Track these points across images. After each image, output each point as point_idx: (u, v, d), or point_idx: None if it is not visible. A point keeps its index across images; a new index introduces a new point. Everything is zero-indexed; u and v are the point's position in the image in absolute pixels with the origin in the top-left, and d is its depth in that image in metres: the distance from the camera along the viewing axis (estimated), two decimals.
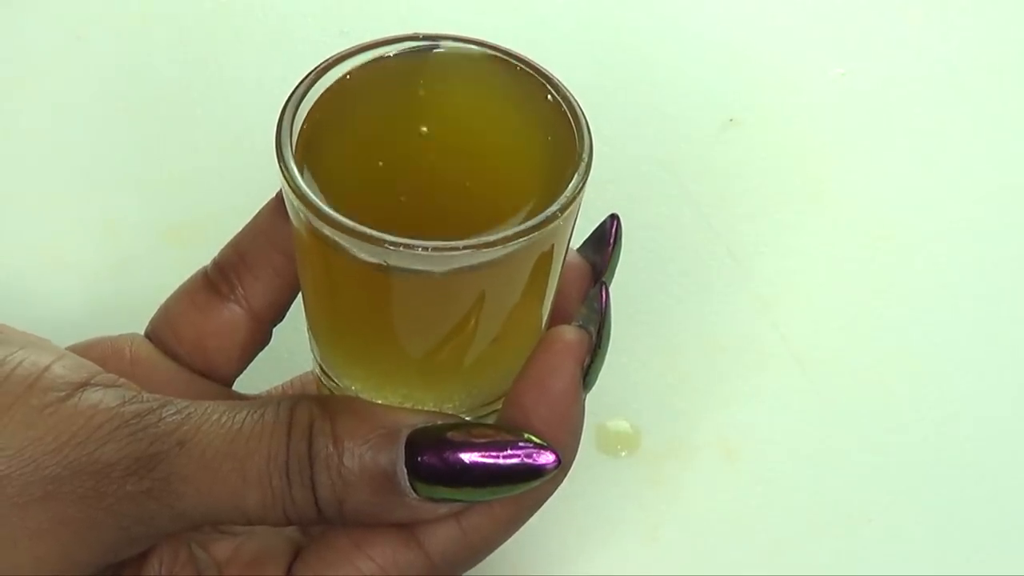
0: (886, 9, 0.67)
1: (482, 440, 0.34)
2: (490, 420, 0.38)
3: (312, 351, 0.39)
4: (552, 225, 0.32)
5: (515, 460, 0.33)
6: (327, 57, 0.35)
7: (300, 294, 0.39)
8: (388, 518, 0.34)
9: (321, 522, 0.34)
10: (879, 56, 0.65)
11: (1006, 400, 0.52)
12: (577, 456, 0.36)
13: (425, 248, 0.31)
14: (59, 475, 0.32)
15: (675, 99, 0.61)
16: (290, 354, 0.44)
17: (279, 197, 0.38)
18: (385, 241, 0.31)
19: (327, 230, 0.32)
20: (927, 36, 0.66)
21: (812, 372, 0.52)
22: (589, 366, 0.35)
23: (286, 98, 0.34)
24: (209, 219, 0.52)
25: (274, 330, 0.40)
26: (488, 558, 0.37)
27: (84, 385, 0.34)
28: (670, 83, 0.62)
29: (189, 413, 0.34)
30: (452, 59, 0.36)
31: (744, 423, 0.50)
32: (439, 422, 0.34)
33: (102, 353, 0.38)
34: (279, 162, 0.33)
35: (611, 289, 0.37)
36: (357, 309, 0.35)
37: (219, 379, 0.39)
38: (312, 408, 0.34)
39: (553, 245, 0.34)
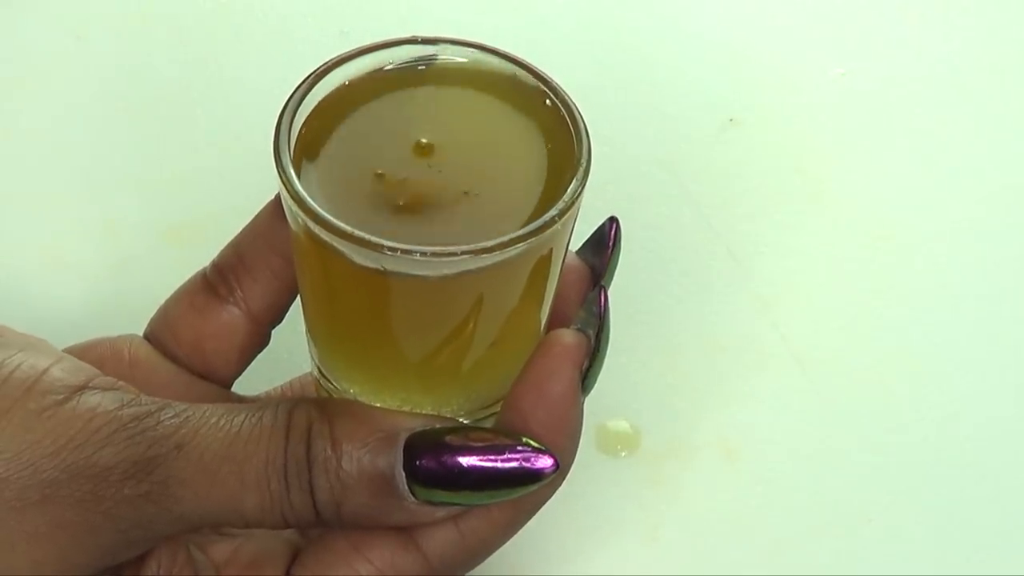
0: (886, 9, 0.67)
1: (480, 444, 0.34)
2: (488, 424, 0.38)
3: (310, 354, 0.39)
4: (550, 230, 0.32)
5: (513, 464, 0.33)
6: (325, 61, 0.35)
7: (299, 297, 0.39)
8: (386, 521, 0.34)
9: (319, 525, 0.34)
10: (879, 56, 0.65)
11: (1006, 400, 0.52)
12: (577, 456, 0.36)
13: (423, 253, 0.31)
14: (57, 478, 0.32)
15: (675, 99, 0.61)
16: (289, 355, 0.44)
17: (278, 199, 0.38)
18: (383, 246, 0.31)
19: (325, 235, 0.32)
20: (927, 36, 0.66)
21: (812, 372, 0.52)
22: (588, 370, 0.35)
23: (284, 103, 0.34)
24: (209, 219, 0.52)
25: (273, 332, 0.40)
26: (487, 558, 0.37)
27: (82, 388, 0.34)
28: (670, 83, 0.62)
29: (187, 416, 0.34)
30: (451, 64, 0.36)
31: (744, 423, 0.50)
32: (437, 426, 0.34)
33: (101, 354, 0.38)
34: (277, 167, 0.33)
35: (611, 290, 0.37)
36: (355, 313, 0.35)
37: (218, 381, 0.39)
38: (310, 411, 0.34)
39: (551, 250, 0.34)
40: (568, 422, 0.35)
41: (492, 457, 0.33)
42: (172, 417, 0.34)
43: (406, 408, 0.36)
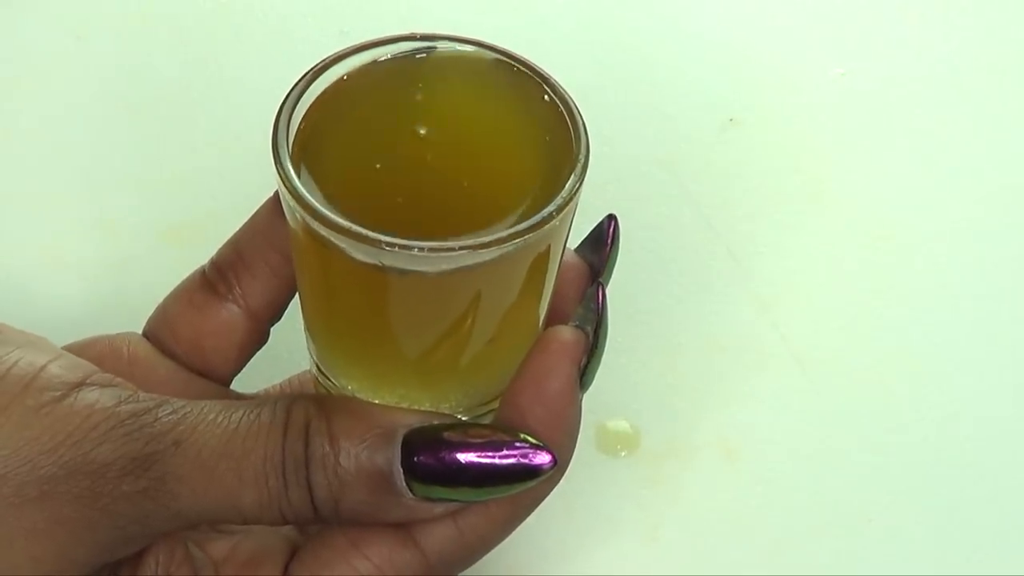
0: (886, 9, 0.67)
1: (478, 440, 0.34)
2: (487, 420, 0.38)
3: (309, 351, 0.39)
4: (548, 226, 0.32)
5: (511, 460, 0.33)
6: (323, 57, 0.35)
7: (297, 294, 0.39)
8: (384, 518, 0.34)
9: (317, 521, 0.34)
10: (879, 56, 0.65)
11: (1006, 400, 0.52)
12: (577, 456, 0.36)
13: (421, 248, 0.31)
14: (55, 475, 0.32)
15: (675, 99, 0.61)
16: (289, 353, 0.44)
17: (277, 196, 0.38)
18: (381, 241, 0.31)
19: (323, 230, 0.32)
20: (927, 36, 0.66)
21: (812, 372, 0.52)
22: (586, 366, 0.35)
23: (282, 99, 0.34)
24: (208, 219, 0.52)
25: (273, 329, 0.40)
26: (488, 558, 0.37)
27: (80, 385, 0.34)
28: (670, 83, 0.62)
29: (185, 413, 0.34)
30: (449, 60, 0.36)
31: (744, 423, 0.50)
32: (435, 422, 0.34)
33: (100, 352, 0.38)
34: (275, 162, 0.33)
35: (611, 289, 0.37)
36: (353, 309, 0.35)
37: (217, 378, 0.39)
38: (308, 408, 0.34)
39: (549, 246, 0.34)
40: (566, 418, 0.35)
41: (490, 453, 0.33)
42: (170, 413, 0.34)
43: (404, 404, 0.36)
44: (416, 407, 0.36)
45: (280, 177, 0.33)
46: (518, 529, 0.37)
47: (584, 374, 0.35)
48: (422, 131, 0.35)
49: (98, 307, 0.52)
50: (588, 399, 0.36)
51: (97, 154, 0.57)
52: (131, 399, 0.34)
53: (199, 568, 0.36)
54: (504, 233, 0.31)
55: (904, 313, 0.54)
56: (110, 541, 0.33)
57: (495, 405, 0.37)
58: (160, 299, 0.40)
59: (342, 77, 0.35)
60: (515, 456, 0.33)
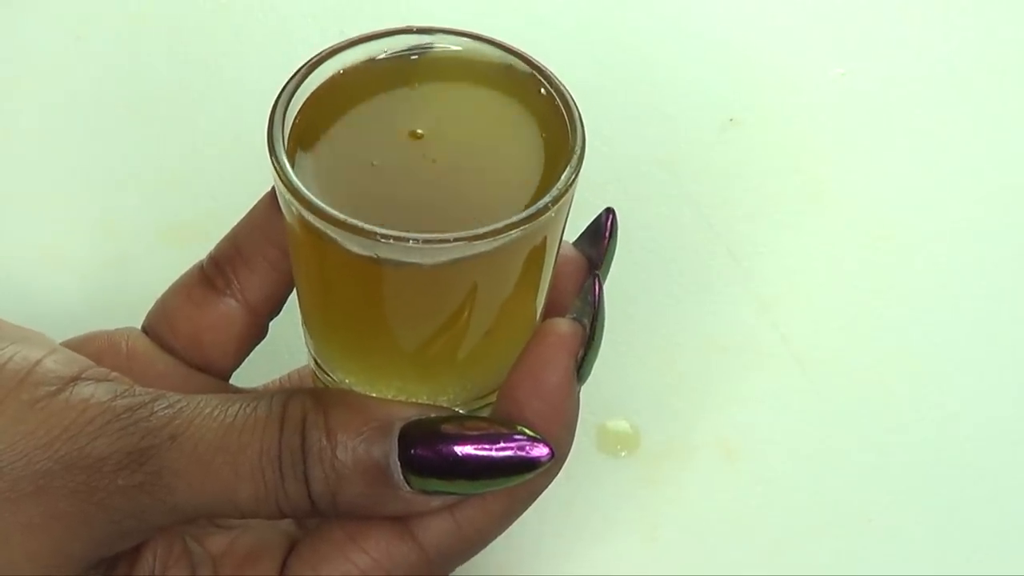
0: (886, 9, 0.67)
1: (476, 433, 0.33)
2: (484, 413, 0.38)
3: (307, 344, 0.39)
4: (544, 217, 0.32)
5: (509, 453, 0.33)
6: (319, 51, 0.35)
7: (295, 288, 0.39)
8: (382, 511, 0.34)
9: (315, 515, 0.34)
10: (879, 56, 0.65)
11: (1006, 400, 0.52)
12: (576, 456, 0.36)
13: (416, 240, 0.31)
14: (50, 469, 0.32)
15: (675, 99, 0.61)
16: (288, 348, 0.44)
17: (274, 191, 0.38)
18: (376, 234, 0.31)
19: (318, 223, 0.32)
20: (927, 36, 0.66)
21: (812, 372, 0.52)
22: (583, 358, 0.35)
23: (278, 92, 0.34)
24: (207, 219, 0.52)
25: (272, 324, 0.40)
26: (487, 557, 0.37)
27: (75, 379, 0.34)
28: (670, 83, 0.62)
29: (181, 407, 0.34)
30: (445, 53, 0.36)
31: (744, 423, 0.50)
32: (433, 415, 0.34)
33: (98, 347, 0.38)
34: (271, 156, 0.33)
35: (610, 288, 0.37)
36: (350, 302, 0.35)
37: (215, 373, 0.39)
38: (305, 401, 0.34)
39: (545, 238, 0.34)
40: (564, 411, 0.35)
41: (487, 446, 0.33)
42: (166, 408, 0.33)
43: (402, 398, 0.36)
44: (413, 400, 0.36)
45: (276, 170, 0.33)
46: (518, 528, 0.37)
47: (581, 366, 0.35)
48: (418, 125, 0.35)
49: (98, 307, 0.52)
50: (588, 399, 0.36)
51: (97, 154, 0.57)
52: (127, 393, 0.34)
53: (197, 563, 0.36)
54: (499, 224, 0.31)
55: (904, 313, 0.54)
56: (106, 536, 0.33)
57: (492, 398, 0.37)
58: None
59: (339, 71, 0.35)
60: (513, 449, 0.33)
